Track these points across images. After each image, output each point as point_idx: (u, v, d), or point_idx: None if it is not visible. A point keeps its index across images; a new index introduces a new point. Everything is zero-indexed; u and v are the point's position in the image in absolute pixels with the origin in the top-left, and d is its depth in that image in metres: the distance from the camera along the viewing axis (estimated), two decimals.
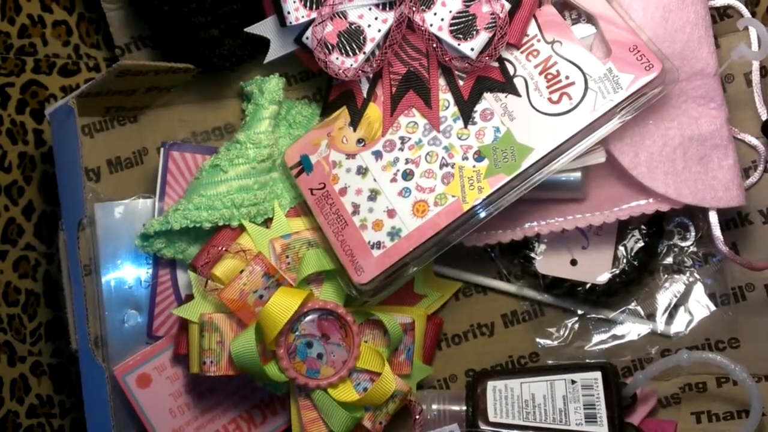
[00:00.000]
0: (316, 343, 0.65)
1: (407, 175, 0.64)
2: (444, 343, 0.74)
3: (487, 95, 0.63)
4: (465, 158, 0.63)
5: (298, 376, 0.65)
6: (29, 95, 0.78)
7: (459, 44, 0.62)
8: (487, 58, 0.62)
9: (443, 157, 0.63)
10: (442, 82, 0.64)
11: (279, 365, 0.65)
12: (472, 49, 0.62)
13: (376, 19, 0.63)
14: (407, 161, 0.64)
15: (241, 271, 0.63)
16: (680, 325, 0.72)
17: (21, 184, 0.79)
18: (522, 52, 0.63)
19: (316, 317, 0.65)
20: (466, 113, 0.64)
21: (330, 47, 0.63)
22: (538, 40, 0.63)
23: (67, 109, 0.66)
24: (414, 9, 0.62)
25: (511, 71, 0.63)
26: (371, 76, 0.65)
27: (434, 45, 0.62)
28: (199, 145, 0.73)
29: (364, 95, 0.66)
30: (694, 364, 0.67)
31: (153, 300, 0.71)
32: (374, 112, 0.65)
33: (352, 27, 0.63)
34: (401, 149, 0.64)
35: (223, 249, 0.65)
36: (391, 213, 0.63)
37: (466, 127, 0.63)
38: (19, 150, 0.79)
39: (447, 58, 0.62)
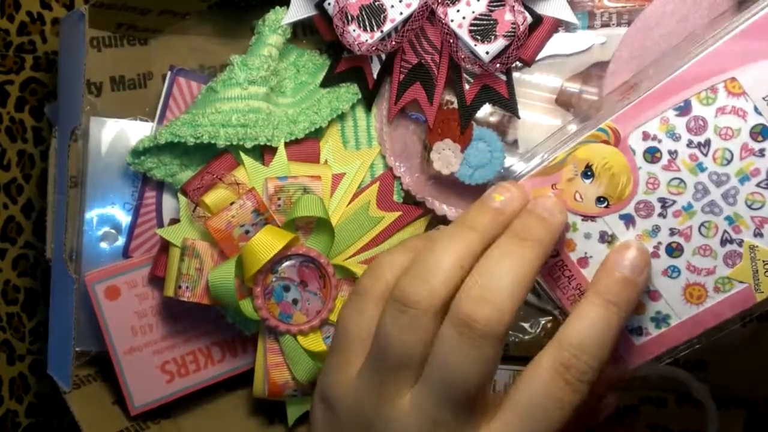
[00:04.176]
0: (294, 289, 0.65)
1: (673, 251, 0.51)
2: None
3: None
4: (758, 234, 0.50)
5: (269, 318, 0.64)
6: (28, 93, 0.78)
7: (475, 45, 0.62)
8: (498, 65, 0.62)
9: (726, 231, 0.50)
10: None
11: (253, 303, 0.64)
12: (487, 53, 0.62)
13: (400, 1, 0.63)
14: (672, 232, 0.51)
15: (232, 203, 0.62)
16: None
17: (20, 182, 0.79)
18: None
19: (297, 263, 0.65)
20: (466, 117, 0.64)
21: (349, 18, 0.63)
22: None
23: (78, 15, 0.66)
24: (438, 0, 0.62)
25: None
26: (383, 57, 0.65)
27: (450, 41, 0.63)
28: (206, 76, 0.72)
29: (374, 77, 0.66)
30: (658, 377, 0.67)
31: (134, 220, 0.70)
32: (618, 159, 0.50)
33: (375, 4, 0.63)
34: (662, 215, 0.51)
35: (217, 177, 0.64)
36: (653, 295, 0.52)
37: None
38: (18, 148, 0.79)
39: (460, 56, 0.63)
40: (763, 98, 0.48)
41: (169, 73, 0.71)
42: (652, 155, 0.50)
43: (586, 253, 0.52)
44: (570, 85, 0.65)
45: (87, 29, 0.65)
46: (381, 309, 0.49)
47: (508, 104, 0.64)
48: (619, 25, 0.64)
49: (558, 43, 0.65)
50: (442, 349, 0.46)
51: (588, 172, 0.51)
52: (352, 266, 0.66)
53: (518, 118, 0.64)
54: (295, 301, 0.65)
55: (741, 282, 0.50)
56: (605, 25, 0.64)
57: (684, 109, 0.49)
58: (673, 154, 0.50)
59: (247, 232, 0.63)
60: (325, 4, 0.64)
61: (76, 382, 0.69)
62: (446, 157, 0.66)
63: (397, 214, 0.68)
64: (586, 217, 0.52)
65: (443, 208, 0.68)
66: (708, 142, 0.49)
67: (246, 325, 0.68)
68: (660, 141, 0.50)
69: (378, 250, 0.68)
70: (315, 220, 0.64)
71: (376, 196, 0.68)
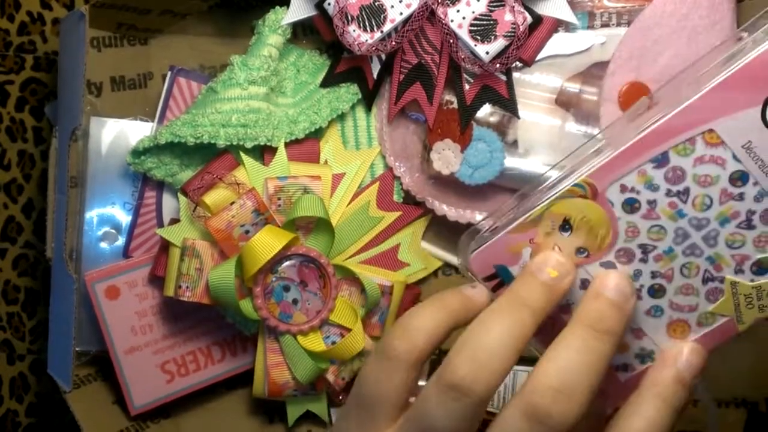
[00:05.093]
0: (294, 289, 0.65)
1: (656, 292, 0.51)
2: None
3: None
4: (739, 271, 0.50)
5: (269, 317, 0.65)
6: (29, 93, 0.78)
7: (475, 45, 0.62)
8: (498, 65, 0.63)
9: (707, 270, 0.50)
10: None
11: (253, 303, 0.64)
12: (487, 53, 0.62)
13: (400, 1, 0.63)
14: (654, 275, 0.50)
15: (232, 203, 0.63)
16: None
17: (20, 182, 0.79)
18: None
19: (297, 263, 0.65)
20: (465, 117, 0.64)
21: (349, 18, 0.63)
22: None
23: (78, 15, 0.66)
24: (438, 1, 0.62)
25: None
26: (383, 57, 0.65)
27: (450, 41, 0.63)
28: (207, 76, 0.72)
29: (374, 77, 0.66)
30: None
31: (134, 220, 0.70)
32: (596, 212, 0.50)
33: (375, 4, 0.63)
34: (644, 260, 0.50)
35: (218, 177, 0.64)
36: (637, 333, 0.52)
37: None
38: (18, 148, 0.79)
39: (460, 56, 0.63)
40: (742, 146, 0.48)
41: (169, 73, 0.71)
42: (631, 206, 0.50)
43: (567, 300, 0.51)
44: (570, 85, 0.65)
45: (87, 29, 0.65)
46: (412, 375, 0.47)
47: (508, 104, 0.64)
48: (618, 25, 0.64)
49: (558, 44, 0.65)
50: None
51: (566, 226, 0.50)
52: (352, 266, 0.66)
53: (518, 118, 0.64)
54: (295, 301, 0.65)
55: (723, 315, 0.50)
56: (605, 25, 0.64)
57: (661, 161, 0.49)
58: (652, 203, 0.50)
59: (247, 232, 0.63)
60: (325, 5, 0.64)
61: (76, 382, 0.69)
62: (446, 157, 0.66)
63: (397, 214, 0.68)
64: None
65: (443, 208, 0.68)
66: (687, 190, 0.49)
67: (246, 325, 0.68)
68: (638, 192, 0.50)
69: (378, 250, 0.68)
70: (315, 220, 0.64)
71: (376, 196, 0.68)
